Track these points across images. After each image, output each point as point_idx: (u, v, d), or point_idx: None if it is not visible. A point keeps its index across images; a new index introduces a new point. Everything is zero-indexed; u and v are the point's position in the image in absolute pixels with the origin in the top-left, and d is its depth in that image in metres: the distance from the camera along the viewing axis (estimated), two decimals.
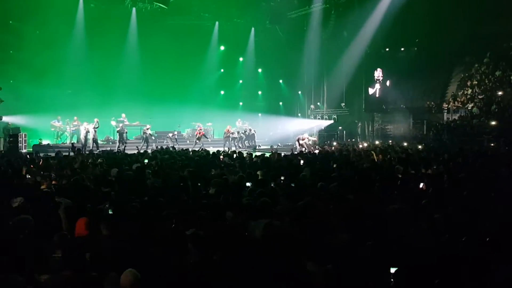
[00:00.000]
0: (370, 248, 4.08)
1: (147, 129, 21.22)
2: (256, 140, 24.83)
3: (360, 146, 20.26)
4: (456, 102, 24.40)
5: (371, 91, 26.93)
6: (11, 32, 22.00)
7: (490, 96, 22.88)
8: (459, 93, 24.92)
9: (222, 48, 29.32)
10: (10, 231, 4.54)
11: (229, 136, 23.03)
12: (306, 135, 22.24)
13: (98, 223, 4.74)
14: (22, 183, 7.82)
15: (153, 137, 22.05)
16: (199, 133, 22.35)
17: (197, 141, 21.95)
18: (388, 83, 26.35)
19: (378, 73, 26.65)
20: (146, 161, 11.94)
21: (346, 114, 28.31)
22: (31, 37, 22.51)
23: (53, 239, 4.20)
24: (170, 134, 22.86)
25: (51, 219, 4.92)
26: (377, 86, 26.59)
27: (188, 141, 24.18)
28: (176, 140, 22.28)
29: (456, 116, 23.40)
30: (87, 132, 19.67)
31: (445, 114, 24.41)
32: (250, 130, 25.12)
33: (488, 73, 24.22)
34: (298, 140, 21.52)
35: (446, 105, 24.85)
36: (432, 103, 25.58)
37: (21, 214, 4.92)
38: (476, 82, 24.41)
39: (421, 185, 7.98)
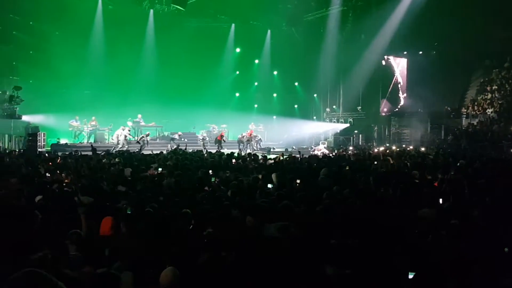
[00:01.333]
0: (399, 252, 4.03)
1: (179, 135, 22.26)
2: (261, 144, 24.72)
3: (376, 150, 20.06)
4: (475, 107, 24.01)
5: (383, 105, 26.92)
6: (32, 33, 22.44)
7: (510, 101, 22.46)
8: (479, 98, 24.52)
9: (238, 50, 29.37)
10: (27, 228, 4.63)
11: (242, 141, 23.12)
12: (321, 147, 22.34)
13: (119, 222, 4.80)
14: (42, 181, 7.94)
15: (175, 140, 22.28)
16: (220, 136, 22.66)
17: (219, 144, 22.08)
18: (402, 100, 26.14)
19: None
20: (160, 169, 11.50)
21: (362, 117, 28.05)
22: (51, 38, 22.91)
23: (68, 237, 4.25)
24: (201, 137, 22.95)
25: (72, 216, 4.99)
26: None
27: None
28: (209, 142, 22.46)
29: (475, 121, 23.01)
30: (123, 135, 20.06)
31: (463, 119, 24.02)
32: (256, 136, 24.90)
33: (508, 77, 23.79)
34: (314, 151, 21.63)
35: (465, 110, 24.46)
36: (449, 108, 25.23)
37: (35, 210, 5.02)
38: (496, 87, 23.99)
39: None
